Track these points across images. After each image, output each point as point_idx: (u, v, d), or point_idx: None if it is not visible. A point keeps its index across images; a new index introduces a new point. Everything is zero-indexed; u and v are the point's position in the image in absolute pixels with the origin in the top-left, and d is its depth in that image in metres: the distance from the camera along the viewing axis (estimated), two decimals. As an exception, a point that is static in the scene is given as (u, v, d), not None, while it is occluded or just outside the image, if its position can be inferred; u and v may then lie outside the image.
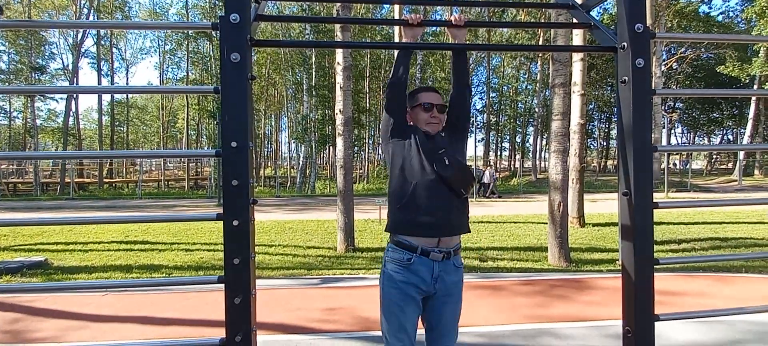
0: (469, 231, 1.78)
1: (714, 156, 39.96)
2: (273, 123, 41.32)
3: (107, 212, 12.22)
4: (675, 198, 16.90)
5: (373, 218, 10.48)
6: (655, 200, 1.56)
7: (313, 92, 23.78)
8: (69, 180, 21.44)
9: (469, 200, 1.85)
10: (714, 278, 5.14)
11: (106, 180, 28.82)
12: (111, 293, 4.33)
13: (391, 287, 1.70)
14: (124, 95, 37.61)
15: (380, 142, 1.93)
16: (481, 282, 4.94)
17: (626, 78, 1.56)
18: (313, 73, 23.58)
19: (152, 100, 46.14)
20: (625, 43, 1.54)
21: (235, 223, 1.34)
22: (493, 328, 3.46)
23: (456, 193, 1.71)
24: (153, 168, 40.47)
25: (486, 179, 19.04)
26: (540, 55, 25.73)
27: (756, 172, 28.49)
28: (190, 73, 30.37)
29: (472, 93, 1.75)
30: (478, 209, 13.46)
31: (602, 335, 3.31)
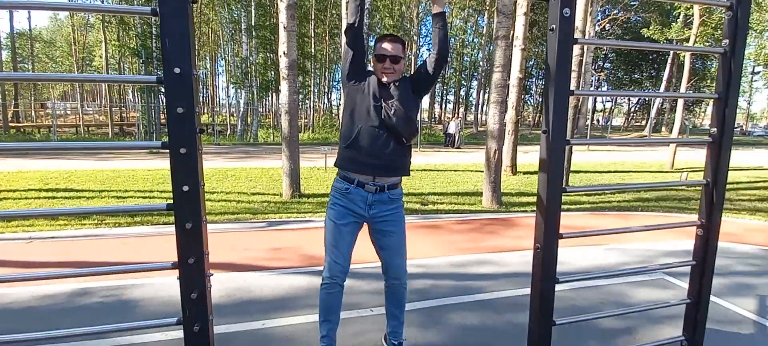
0: (408, 174, 1.99)
1: (631, 114, 44.53)
2: (208, 66, 38.17)
3: (22, 159, 10.87)
4: (592, 149, 18.80)
5: (319, 166, 10.48)
6: (567, 138, 1.81)
7: (253, 33, 22.12)
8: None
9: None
10: (617, 215, 6.00)
11: (12, 124, 25.22)
12: (36, 240, 4.02)
13: (331, 210, 1.97)
14: (27, 26, 32.18)
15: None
16: (421, 222, 5.30)
17: (554, 26, 1.73)
18: (253, 11, 21.80)
19: (61, 32, 40.04)
20: (553, -8, 1.69)
21: (183, 151, 1.35)
22: (430, 259, 3.81)
23: (397, 140, 1.88)
24: (68, 112, 36.00)
25: (451, 130, 19.78)
26: (487, 7, 26.00)
27: (663, 129, 32.73)
28: None
29: (446, 63, 1.85)
30: (421, 158, 13.96)
31: (522, 260, 3.80)
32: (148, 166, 10.37)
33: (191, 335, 1.46)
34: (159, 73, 1.35)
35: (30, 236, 4.38)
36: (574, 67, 7.90)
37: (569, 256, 3.99)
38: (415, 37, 26.68)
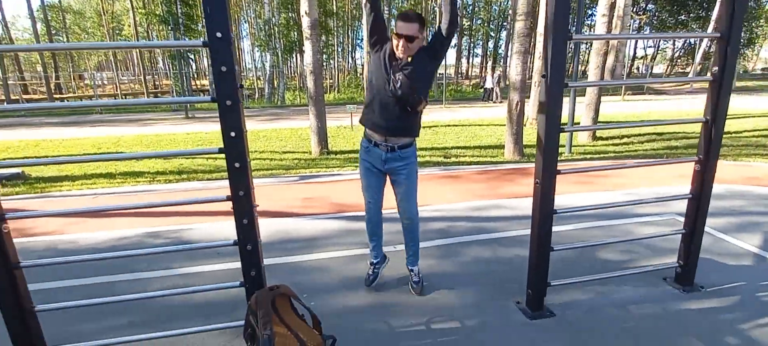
0: (416, 135, 2.29)
1: (674, 60, 41.39)
2: (233, 29, 38.37)
3: (73, 127, 11.82)
4: (630, 99, 17.98)
5: (345, 125, 10.77)
6: (565, 81, 1.97)
7: (276, -7, 22.00)
8: (16, 97, 19.95)
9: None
10: (638, 163, 5.98)
11: (56, 96, 26.87)
12: (100, 195, 4.60)
13: (360, 163, 2.38)
14: (58, -2, 33.24)
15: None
16: (443, 173, 5.54)
17: (552, -25, 1.84)
18: (274, -30, 21.55)
19: (90, 2, 41.06)
20: (552, -57, 1.80)
21: (228, 103, 1.65)
22: (450, 205, 4.09)
23: (403, 108, 2.15)
24: (105, 81, 37.66)
25: (489, 85, 19.51)
26: (515, -50, 24.31)
27: (709, 74, 30.19)
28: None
29: (457, 26, 2.01)
30: (446, 113, 13.95)
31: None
32: (187, 129, 11.03)
33: (245, 253, 1.82)
34: (203, 38, 1.61)
35: (94, 192, 4.99)
36: (604, 11, 7.57)
37: (579, 200, 4.15)
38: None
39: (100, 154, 1.82)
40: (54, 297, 2.48)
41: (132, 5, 26.36)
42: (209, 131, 10.50)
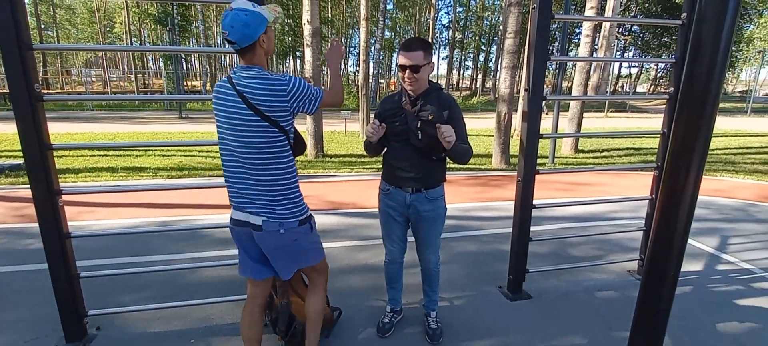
0: (443, 180, 2.02)
1: (657, 80, 42.97)
2: (227, 32, 38.40)
3: (66, 122, 11.84)
4: (612, 116, 18.73)
5: (339, 130, 11.06)
6: (544, 95, 2.31)
7: (272, -1, 22.28)
8: (5, 90, 19.69)
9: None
10: (610, 173, 6.43)
11: (45, 92, 26.47)
12: (106, 189, 4.78)
13: (380, 207, 2.11)
14: (50, -7, 32.93)
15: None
16: (434, 178, 5.87)
17: (535, 5, 2.20)
18: (271, -23, 21.86)
19: (81, -3, 40.66)
20: (535, -21, 2.15)
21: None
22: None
23: (428, 157, 1.91)
24: (93, 79, 37.21)
25: None
26: (507, -31, 25.17)
27: (665, 94, 31.60)
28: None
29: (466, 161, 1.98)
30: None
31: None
32: (182, 129, 11.17)
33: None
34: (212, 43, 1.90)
35: (99, 185, 5.17)
36: (588, 32, 8.08)
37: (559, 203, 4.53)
38: (434, 1, 26.20)
39: (135, 143, 2.08)
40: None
41: (126, 3, 26.38)
42: (204, 131, 10.67)
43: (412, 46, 1.82)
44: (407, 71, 1.82)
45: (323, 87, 1.63)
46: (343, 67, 36.56)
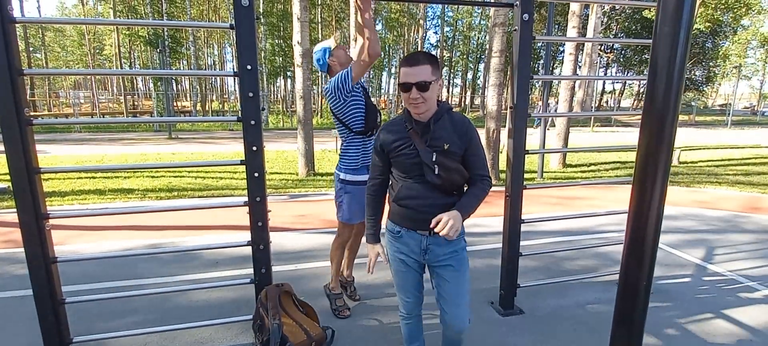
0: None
1: (640, 95, 44.19)
2: (217, 53, 38.77)
3: (51, 145, 11.68)
4: (599, 131, 19.12)
5: (330, 149, 11.10)
6: (528, 111, 2.38)
7: (262, 19, 22.59)
8: (-11, 112, 19.37)
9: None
10: (598, 187, 6.54)
11: (32, 113, 26.17)
12: (92, 212, 4.71)
13: (390, 253, 1.74)
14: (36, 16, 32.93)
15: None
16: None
17: (517, 28, 2.29)
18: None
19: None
20: (517, 2, 2.25)
21: (252, 122, 1.96)
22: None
23: (447, 191, 1.59)
24: (81, 100, 36.90)
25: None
26: (492, -10, 25.95)
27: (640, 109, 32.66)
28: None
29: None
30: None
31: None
32: (171, 149, 11.09)
33: (258, 252, 2.09)
34: (232, 69, 1.94)
35: (86, 207, 5.09)
36: (571, 50, 8.33)
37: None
38: (422, 21, 26.81)
39: (126, 165, 2.09)
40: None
41: (116, 27, 26.42)
42: (194, 152, 10.61)
43: (418, 59, 1.49)
44: (413, 90, 1.48)
45: (352, 62, 2.27)
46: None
